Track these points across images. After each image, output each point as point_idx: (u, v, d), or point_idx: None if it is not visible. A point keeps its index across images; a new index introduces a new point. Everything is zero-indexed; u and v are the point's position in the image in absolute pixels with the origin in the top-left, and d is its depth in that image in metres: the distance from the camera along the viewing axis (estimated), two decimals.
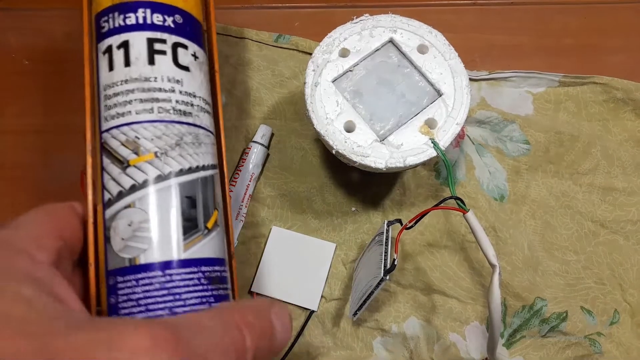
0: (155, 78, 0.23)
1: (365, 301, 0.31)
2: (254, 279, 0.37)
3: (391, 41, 0.34)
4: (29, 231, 0.20)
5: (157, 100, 0.23)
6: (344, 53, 0.33)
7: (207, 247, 0.22)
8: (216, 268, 0.23)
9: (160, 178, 0.22)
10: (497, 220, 0.39)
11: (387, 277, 0.30)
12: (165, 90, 0.23)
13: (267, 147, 0.40)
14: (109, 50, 0.23)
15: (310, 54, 0.36)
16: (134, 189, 0.21)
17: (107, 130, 0.23)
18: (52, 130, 0.42)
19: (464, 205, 0.30)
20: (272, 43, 0.43)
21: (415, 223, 0.31)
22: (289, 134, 0.41)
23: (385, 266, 0.30)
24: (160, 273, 0.21)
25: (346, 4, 0.46)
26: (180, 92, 0.23)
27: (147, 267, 0.21)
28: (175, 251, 0.21)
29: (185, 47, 0.24)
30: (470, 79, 0.40)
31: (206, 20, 0.28)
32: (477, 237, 0.30)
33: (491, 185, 0.40)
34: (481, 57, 0.44)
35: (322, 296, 0.37)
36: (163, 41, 0.24)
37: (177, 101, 0.23)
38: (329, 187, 0.39)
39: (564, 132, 0.40)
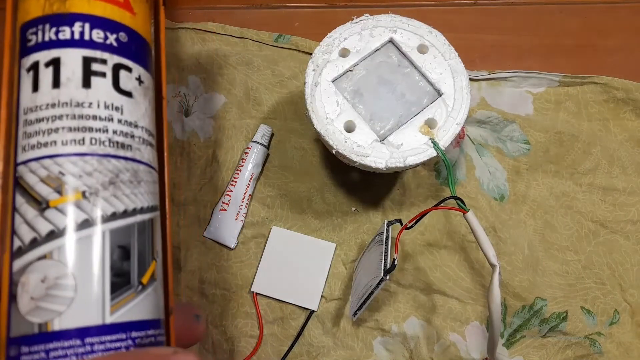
0: (90, 104, 0.19)
1: (365, 301, 0.31)
2: (254, 279, 0.37)
3: (391, 41, 0.34)
4: None
5: (90, 129, 0.19)
6: (344, 53, 0.33)
7: (140, 307, 0.19)
8: (149, 332, 0.19)
9: (87, 223, 0.18)
10: (497, 220, 0.39)
11: (387, 277, 0.30)
12: (101, 119, 0.19)
13: (267, 147, 0.40)
14: (34, 67, 0.20)
15: (310, 54, 0.36)
16: (52, 235, 0.18)
17: (24, 163, 0.19)
18: None
19: (464, 205, 0.30)
20: (272, 43, 0.43)
21: (415, 223, 0.31)
22: (289, 134, 0.41)
23: (385, 266, 0.30)
24: (78, 342, 0.17)
25: (346, 4, 0.46)
26: (120, 121, 0.20)
27: (62, 335, 0.17)
28: (100, 314, 0.17)
29: (129, 69, 0.21)
30: (470, 79, 0.40)
31: (155, 39, 0.25)
32: (477, 237, 0.30)
33: (491, 185, 0.40)
34: (481, 57, 0.44)
35: (322, 296, 0.37)
36: (103, 61, 0.20)
37: (114, 131, 0.20)
38: (329, 187, 0.39)
39: (564, 132, 0.40)
